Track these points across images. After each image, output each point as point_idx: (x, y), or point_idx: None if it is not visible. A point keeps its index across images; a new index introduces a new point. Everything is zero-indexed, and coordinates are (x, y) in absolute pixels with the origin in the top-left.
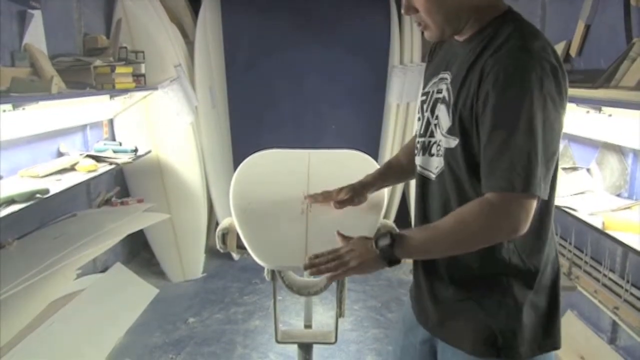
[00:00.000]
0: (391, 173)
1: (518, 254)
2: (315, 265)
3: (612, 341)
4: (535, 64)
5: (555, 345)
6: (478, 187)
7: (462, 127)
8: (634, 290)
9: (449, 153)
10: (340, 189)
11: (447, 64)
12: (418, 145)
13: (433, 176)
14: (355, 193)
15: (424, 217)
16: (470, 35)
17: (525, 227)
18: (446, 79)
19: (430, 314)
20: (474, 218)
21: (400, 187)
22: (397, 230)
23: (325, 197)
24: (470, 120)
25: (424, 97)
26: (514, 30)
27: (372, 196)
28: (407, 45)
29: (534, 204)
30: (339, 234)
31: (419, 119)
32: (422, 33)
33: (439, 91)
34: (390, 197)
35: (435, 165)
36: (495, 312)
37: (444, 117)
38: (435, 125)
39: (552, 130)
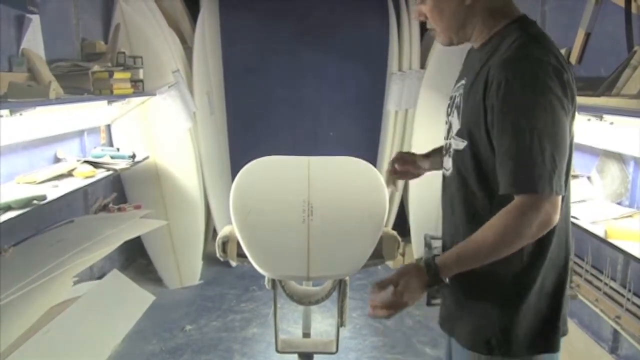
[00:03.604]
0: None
1: (520, 257)
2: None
3: (613, 350)
4: (536, 67)
5: (549, 349)
6: (484, 191)
7: (469, 131)
8: (635, 299)
9: (457, 155)
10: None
11: (466, 71)
12: (444, 147)
13: (448, 175)
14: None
15: (445, 213)
16: (484, 42)
17: (552, 221)
18: (463, 85)
19: (441, 309)
20: (500, 222)
21: (398, 195)
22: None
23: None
24: (477, 124)
25: (449, 102)
26: (519, 36)
27: (373, 205)
28: (406, 51)
29: (552, 200)
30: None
31: (445, 123)
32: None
33: (457, 97)
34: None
35: (449, 166)
36: (490, 312)
37: (455, 120)
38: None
39: (561, 130)
